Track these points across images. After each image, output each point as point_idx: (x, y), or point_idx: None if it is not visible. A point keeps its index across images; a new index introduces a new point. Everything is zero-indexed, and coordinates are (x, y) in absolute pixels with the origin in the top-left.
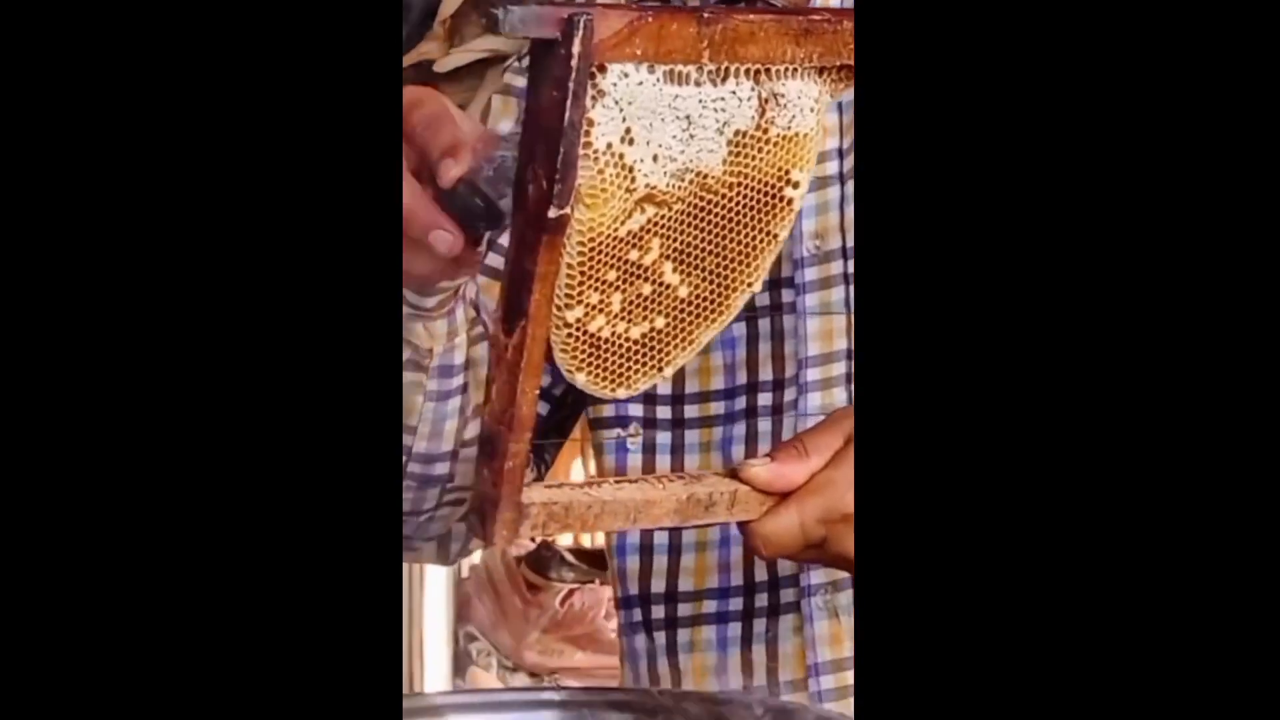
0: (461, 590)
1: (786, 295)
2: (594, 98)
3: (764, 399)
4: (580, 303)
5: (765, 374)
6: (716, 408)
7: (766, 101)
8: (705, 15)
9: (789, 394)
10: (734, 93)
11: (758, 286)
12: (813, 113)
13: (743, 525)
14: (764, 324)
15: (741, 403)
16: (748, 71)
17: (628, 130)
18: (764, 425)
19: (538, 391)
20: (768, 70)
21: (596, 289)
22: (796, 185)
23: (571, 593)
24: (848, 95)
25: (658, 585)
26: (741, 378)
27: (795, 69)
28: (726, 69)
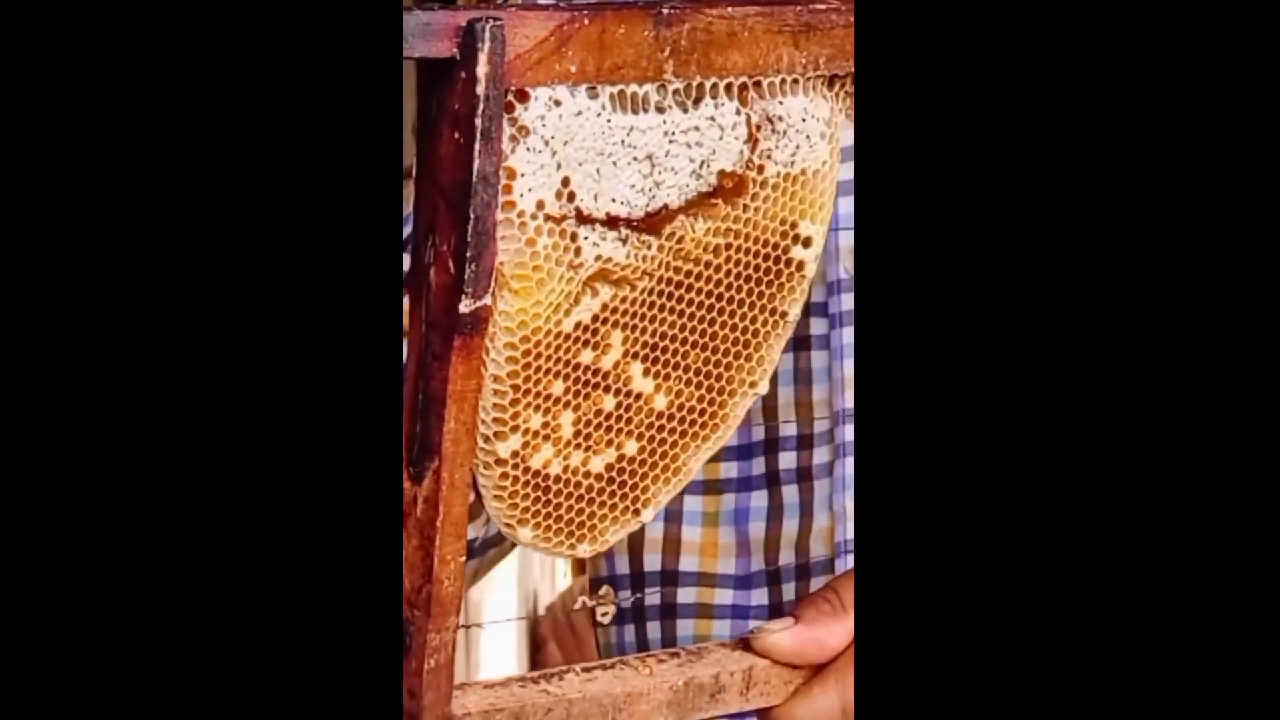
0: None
1: (817, 326)
2: (513, 138)
3: (786, 460)
4: (516, 429)
5: (788, 428)
6: (727, 469)
7: (759, 128)
8: (665, 12)
9: (820, 454)
10: (713, 119)
11: (763, 386)
12: (824, 140)
13: (764, 714)
14: (785, 362)
15: (760, 465)
16: (729, 88)
17: (565, 181)
18: (789, 495)
19: (463, 559)
20: (757, 84)
21: (538, 408)
22: (808, 243)
23: None
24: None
25: None
26: (758, 432)
27: (796, 80)
28: (700, 86)
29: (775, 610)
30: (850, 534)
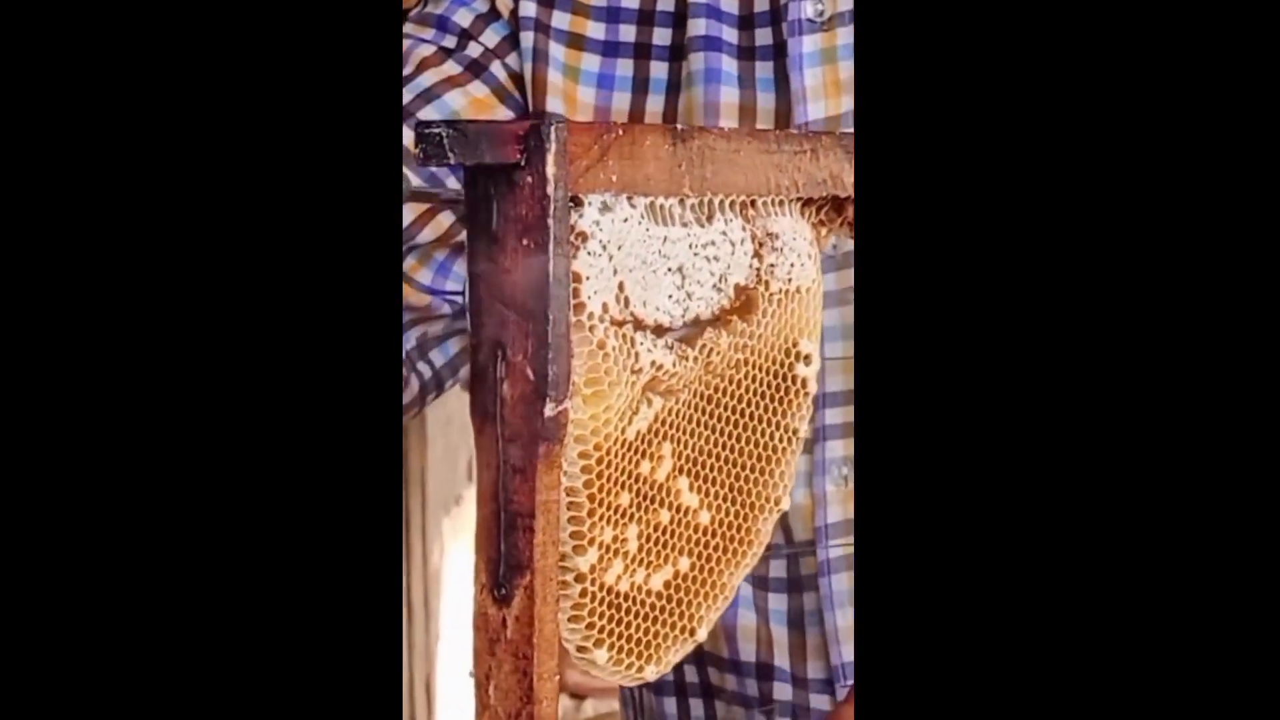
0: None
1: None
2: (572, 244)
3: None
4: (593, 543)
5: None
6: None
7: (761, 245)
8: (680, 129)
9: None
10: (724, 234)
11: (786, 503)
12: (810, 260)
13: None
14: None
15: None
16: (733, 204)
17: (620, 286)
18: None
19: (558, 676)
20: (753, 203)
21: (609, 521)
22: (808, 360)
23: None
24: (847, 243)
25: None
26: None
27: (782, 201)
28: (711, 203)
29: (760, 581)
30: (829, 520)
